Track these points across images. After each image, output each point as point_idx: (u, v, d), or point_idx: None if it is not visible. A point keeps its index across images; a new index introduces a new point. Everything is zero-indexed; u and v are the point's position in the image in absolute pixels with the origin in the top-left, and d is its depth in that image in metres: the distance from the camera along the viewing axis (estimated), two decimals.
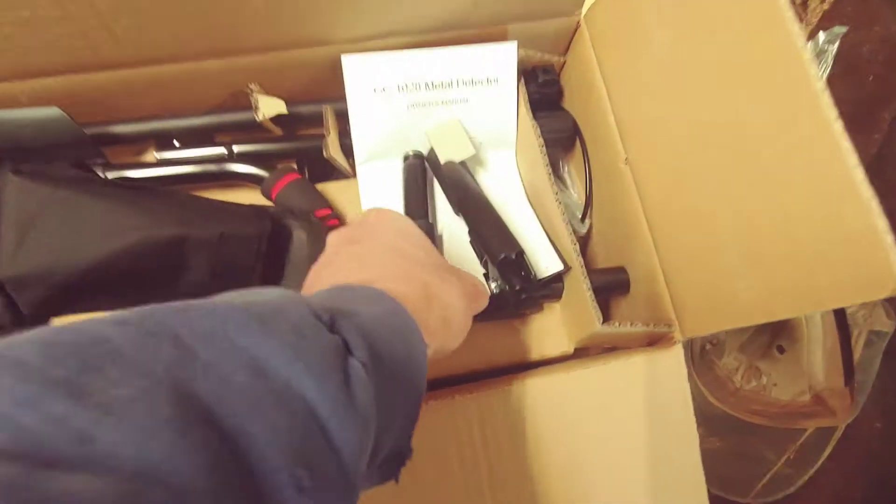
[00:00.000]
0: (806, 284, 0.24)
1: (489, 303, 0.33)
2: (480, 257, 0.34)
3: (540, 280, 0.34)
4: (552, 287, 0.35)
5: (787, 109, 0.24)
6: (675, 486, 0.32)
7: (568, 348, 0.35)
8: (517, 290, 0.32)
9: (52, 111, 0.33)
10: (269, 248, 0.31)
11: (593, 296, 0.31)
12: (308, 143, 0.40)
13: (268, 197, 0.36)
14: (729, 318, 0.29)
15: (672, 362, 0.32)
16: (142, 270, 0.28)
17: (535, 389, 0.30)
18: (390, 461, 0.18)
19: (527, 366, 0.34)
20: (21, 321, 0.27)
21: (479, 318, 0.35)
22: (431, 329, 0.21)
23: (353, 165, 0.39)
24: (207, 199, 0.33)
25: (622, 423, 0.31)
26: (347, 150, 0.39)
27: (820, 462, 0.46)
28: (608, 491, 0.31)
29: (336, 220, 0.36)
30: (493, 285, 0.33)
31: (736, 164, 0.27)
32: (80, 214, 0.28)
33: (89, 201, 0.28)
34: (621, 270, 0.37)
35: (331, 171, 0.40)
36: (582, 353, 0.36)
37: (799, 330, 0.50)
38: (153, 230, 0.28)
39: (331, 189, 0.38)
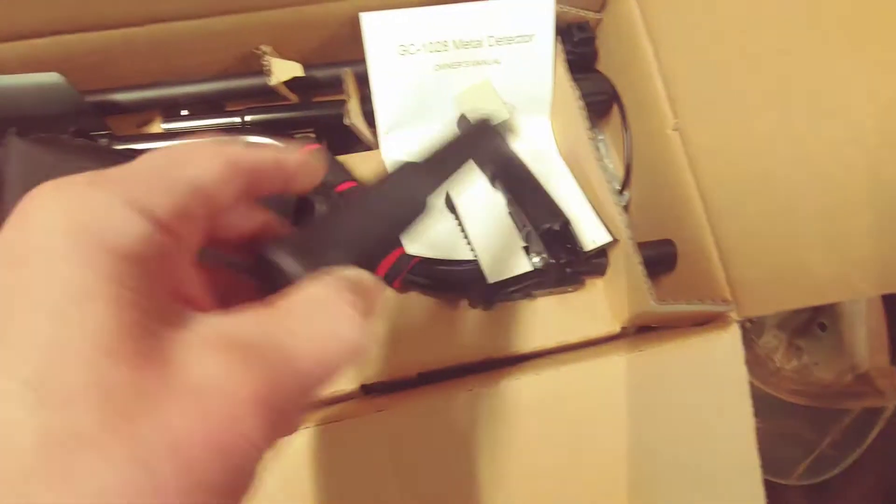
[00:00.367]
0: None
1: (531, 277, 0.31)
2: (521, 229, 0.32)
3: (587, 253, 0.31)
4: (595, 262, 0.32)
5: (888, 61, 0.21)
6: (729, 473, 0.29)
7: (613, 328, 0.32)
8: (562, 263, 0.29)
9: (51, 77, 0.30)
10: (294, 223, 0.29)
11: (645, 270, 0.28)
12: (327, 111, 0.37)
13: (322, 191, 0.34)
14: (798, 295, 0.26)
15: (729, 344, 0.30)
16: None
17: (587, 373, 0.28)
18: None
19: (570, 348, 0.32)
20: None
21: (517, 296, 0.33)
22: None
23: (375, 135, 0.36)
24: None
25: (675, 408, 0.29)
26: (369, 119, 0.36)
27: (866, 444, 0.44)
28: (658, 479, 0.29)
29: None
30: (536, 259, 0.31)
31: (819, 124, 0.24)
32: None
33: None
34: (668, 243, 0.34)
35: (352, 142, 0.37)
36: (622, 333, 0.34)
37: (840, 307, 0.48)
38: None
39: (353, 161, 0.35)
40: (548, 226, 0.29)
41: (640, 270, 0.28)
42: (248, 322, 0.11)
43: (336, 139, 0.37)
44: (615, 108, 0.41)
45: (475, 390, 0.28)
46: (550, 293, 0.33)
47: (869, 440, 0.44)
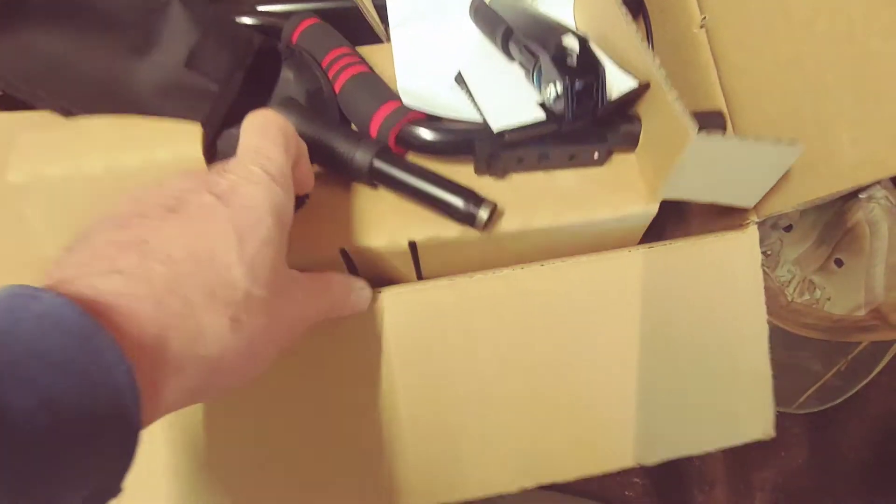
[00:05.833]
0: None
1: (545, 125, 0.26)
2: (532, 70, 0.27)
3: (615, 100, 0.27)
4: (624, 131, 0.28)
5: None
6: (741, 379, 0.29)
7: (649, 205, 0.28)
8: (590, 108, 0.24)
9: None
10: (254, 64, 0.28)
11: (683, 107, 0.24)
12: (338, 3, 0.35)
13: (288, 46, 0.32)
14: (826, 181, 0.25)
15: (746, 245, 0.29)
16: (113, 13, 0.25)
17: (594, 268, 0.28)
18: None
19: (602, 224, 0.28)
20: None
21: (531, 159, 0.27)
22: (178, 368, 0.16)
23: (387, 29, 0.34)
24: None
25: (686, 311, 0.28)
26: (382, 13, 0.34)
27: (872, 375, 0.43)
28: (670, 380, 0.28)
29: (354, 58, 0.31)
30: (550, 93, 0.25)
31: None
32: None
33: None
34: (718, 115, 0.29)
35: (363, 33, 0.35)
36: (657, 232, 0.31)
37: (862, 242, 0.46)
38: None
39: (363, 53, 0.34)
40: (561, 44, 0.24)
41: (677, 107, 0.24)
42: None
43: (345, 31, 0.35)
44: (640, 19, 0.39)
45: (476, 276, 0.27)
46: (572, 163, 0.29)
47: (874, 373, 0.44)
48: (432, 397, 0.27)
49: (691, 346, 0.29)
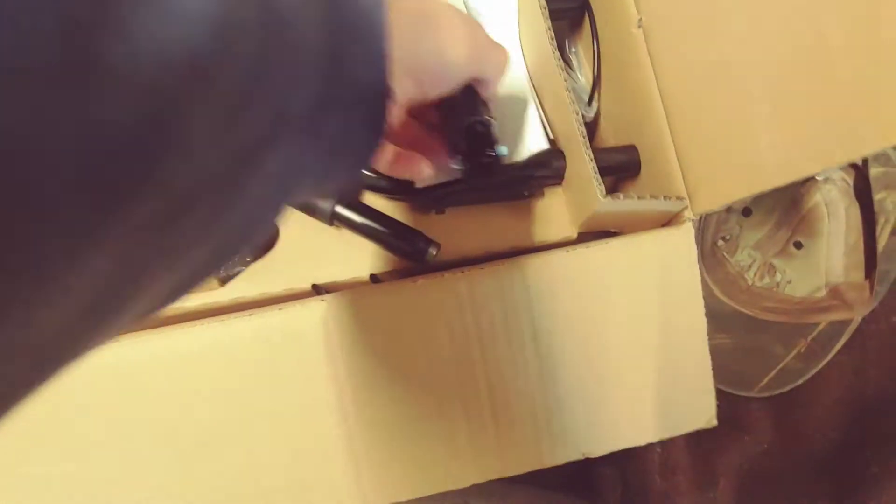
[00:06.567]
0: (840, 131, 0.21)
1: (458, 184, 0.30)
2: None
3: (528, 160, 0.31)
4: (552, 167, 0.32)
5: None
6: (681, 370, 0.30)
7: (571, 233, 0.33)
8: (483, 164, 0.27)
9: None
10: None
11: (596, 168, 0.28)
12: None
13: None
14: (747, 183, 0.26)
15: (681, 241, 0.30)
16: None
17: (532, 269, 0.29)
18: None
19: (525, 251, 0.32)
20: None
21: (464, 200, 0.32)
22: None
23: None
24: None
25: (626, 306, 0.30)
26: None
27: (830, 355, 0.44)
28: (611, 374, 0.30)
29: None
30: (455, 164, 0.28)
31: (770, 5, 0.23)
32: None
33: None
34: (631, 149, 0.34)
35: None
36: (587, 239, 0.34)
37: (820, 224, 0.47)
38: None
39: None
40: (471, 120, 0.26)
41: (590, 167, 0.28)
42: None
43: None
44: (587, 18, 0.40)
45: (417, 282, 0.28)
46: (509, 198, 0.33)
47: (833, 352, 0.45)
48: (379, 399, 0.29)
49: (632, 340, 0.30)
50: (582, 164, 0.29)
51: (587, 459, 0.30)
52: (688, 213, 0.30)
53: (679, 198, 0.30)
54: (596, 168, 0.28)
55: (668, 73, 0.31)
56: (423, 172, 0.25)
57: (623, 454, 0.30)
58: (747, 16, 0.25)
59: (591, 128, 0.41)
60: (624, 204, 0.28)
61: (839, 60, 0.21)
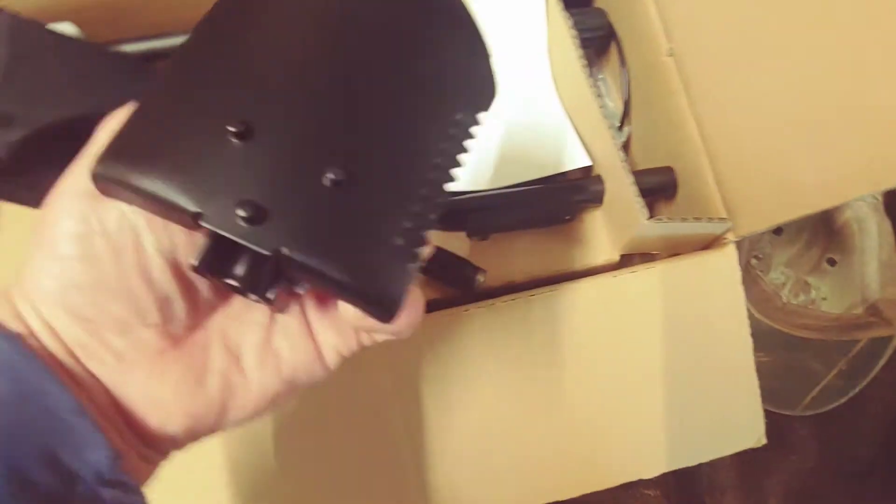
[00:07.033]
0: (880, 157, 0.22)
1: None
2: None
3: (568, 185, 0.32)
4: (590, 190, 0.32)
5: None
6: (729, 390, 0.30)
7: (613, 256, 0.33)
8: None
9: (66, 27, 0.31)
10: None
11: (638, 192, 0.29)
12: None
13: None
14: (789, 207, 0.26)
15: (725, 263, 0.30)
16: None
17: (579, 293, 0.29)
18: None
19: (570, 276, 0.33)
20: None
21: (508, 226, 0.33)
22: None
23: None
24: None
25: (672, 328, 0.30)
26: None
27: (873, 373, 0.44)
28: (659, 396, 0.30)
29: None
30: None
31: (805, 32, 0.24)
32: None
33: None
34: (667, 170, 0.34)
35: None
36: (629, 262, 0.34)
37: (851, 241, 0.47)
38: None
39: None
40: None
41: (632, 190, 0.29)
42: None
43: None
44: (614, 45, 0.41)
45: (469, 310, 0.29)
46: (550, 223, 0.33)
47: (876, 370, 0.45)
48: (433, 426, 0.29)
49: (681, 363, 0.30)
50: (623, 186, 0.29)
51: (630, 482, 0.30)
52: (731, 236, 0.30)
53: (722, 219, 0.30)
54: (638, 191, 0.29)
55: (701, 100, 0.32)
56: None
57: (670, 475, 0.30)
58: (782, 42, 0.26)
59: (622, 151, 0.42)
60: (668, 227, 0.29)
61: (879, 84, 0.22)
